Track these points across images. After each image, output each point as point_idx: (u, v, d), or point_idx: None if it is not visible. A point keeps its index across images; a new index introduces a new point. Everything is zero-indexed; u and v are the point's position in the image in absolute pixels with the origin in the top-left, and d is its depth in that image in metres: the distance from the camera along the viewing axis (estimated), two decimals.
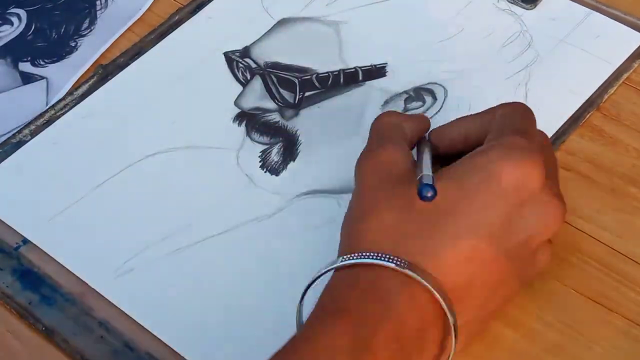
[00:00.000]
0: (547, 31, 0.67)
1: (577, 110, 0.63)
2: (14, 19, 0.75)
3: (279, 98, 0.66)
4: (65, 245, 0.59)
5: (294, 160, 0.62)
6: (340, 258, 0.48)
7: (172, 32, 0.71)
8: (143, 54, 0.70)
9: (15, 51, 0.73)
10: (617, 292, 0.55)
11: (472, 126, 0.55)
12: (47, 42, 0.73)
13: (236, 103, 0.66)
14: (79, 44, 0.73)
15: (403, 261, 0.47)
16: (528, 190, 0.49)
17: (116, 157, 0.63)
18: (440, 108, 0.64)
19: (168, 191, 0.61)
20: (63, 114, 0.67)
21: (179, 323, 0.56)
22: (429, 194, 0.47)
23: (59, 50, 0.72)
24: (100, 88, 0.68)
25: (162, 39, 0.71)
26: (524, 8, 0.69)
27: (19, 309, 0.57)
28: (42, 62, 0.72)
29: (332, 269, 0.48)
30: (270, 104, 0.66)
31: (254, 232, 0.59)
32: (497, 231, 0.49)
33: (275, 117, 0.65)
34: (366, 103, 0.65)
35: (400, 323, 0.46)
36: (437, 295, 0.47)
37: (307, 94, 0.66)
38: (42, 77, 0.71)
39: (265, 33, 0.70)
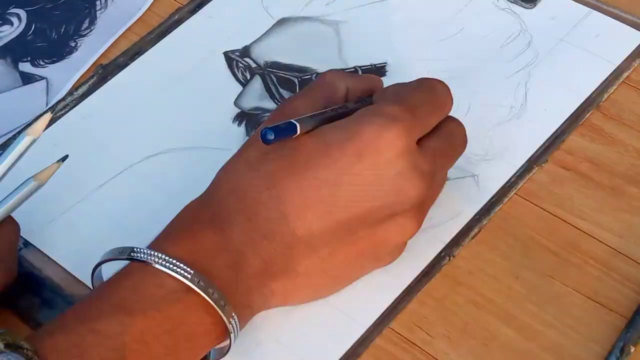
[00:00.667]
0: (547, 30, 0.67)
1: (576, 110, 0.63)
2: (14, 19, 0.75)
3: (279, 98, 0.66)
4: (66, 247, 0.59)
5: None
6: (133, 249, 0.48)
7: (171, 31, 0.71)
8: (143, 53, 0.70)
9: (15, 51, 0.73)
10: (617, 291, 0.55)
11: (356, 87, 0.55)
12: (47, 42, 0.73)
13: (236, 103, 0.66)
14: (79, 44, 0.73)
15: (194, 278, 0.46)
16: (385, 157, 0.49)
17: (116, 158, 0.63)
18: None
19: (169, 192, 0.61)
20: (63, 114, 0.67)
21: None
22: (270, 137, 0.48)
23: (59, 51, 0.72)
24: (100, 88, 0.68)
25: (162, 38, 0.71)
26: (524, 7, 0.68)
27: (20, 312, 0.57)
28: (42, 63, 0.72)
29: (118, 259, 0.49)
30: (270, 104, 0.66)
31: None
32: (348, 194, 0.49)
33: None
34: None
35: (171, 319, 0.46)
36: (224, 320, 0.47)
37: None
38: (42, 77, 0.71)
39: (265, 32, 0.70)
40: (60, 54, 0.72)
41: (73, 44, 0.73)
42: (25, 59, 0.72)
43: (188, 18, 0.72)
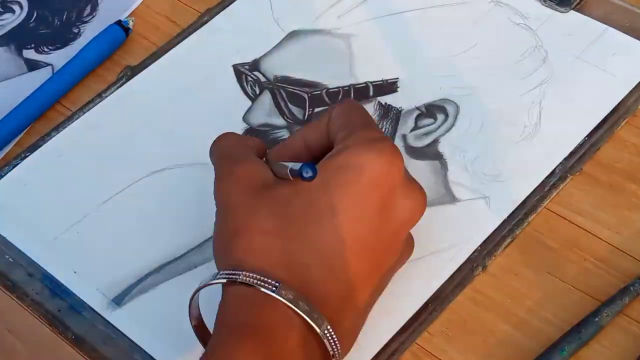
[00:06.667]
0: (563, 47, 0.68)
1: (591, 136, 0.63)
2: (15, 7, 0.78)
3: (287, 114, 0.65)
4: (69, 266, 0.59)
5: None
6: (224, 273, 0.49)
7: (182, 42, 0.72)
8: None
9: (18, 38, 0.76)
10: (616, 288, 0.56)
11: (312, 135, 0.56)
12: (50, 29, 0.76)
13: (244, 119, 0.66)
14: (82, 30, 0.75)
15: (290, 293, 0.47)
16: (393, 179, 0.51)
17: (121, 173, 0.64)
18: (452, 125, 0.64)
19: (177, 209, 0.62)
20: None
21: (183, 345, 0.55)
22: (309, 174, 0.48)
23: (62, 37, 0.75)
24: (106, 99, 0.69)
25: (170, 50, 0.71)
26: (558, 11, 0.69)
27: (48, 316, 0.58)
28: (46, 49, 0.75)
29: (217, 283, 0.49)
30: (279, 121, 0.65)
31: None
32: (375, 223, 0.51)
33: (284, 134, 0.65)
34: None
35: (302, 335, 0.48)
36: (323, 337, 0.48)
37: (316, 110, 0.66)
38: (47, 64, 0.73)
39: (276, 46, 0.70)
40: (64, 40, 0.75)
41: (76, 30, 0.76)
42: (29, 46, 0.75)
43: (198, 29, 0.72)
